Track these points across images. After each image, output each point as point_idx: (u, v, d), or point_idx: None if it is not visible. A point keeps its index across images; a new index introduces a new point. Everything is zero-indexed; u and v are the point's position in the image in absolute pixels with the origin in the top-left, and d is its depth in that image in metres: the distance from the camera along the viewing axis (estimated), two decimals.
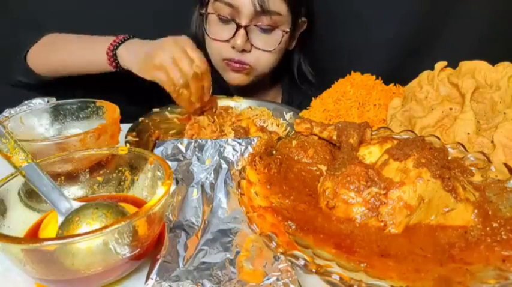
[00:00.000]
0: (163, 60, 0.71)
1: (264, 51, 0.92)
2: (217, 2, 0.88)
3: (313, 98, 0.84)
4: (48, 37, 0.91)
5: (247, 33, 0.88)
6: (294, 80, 1.10)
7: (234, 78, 0.97)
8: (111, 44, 0.79)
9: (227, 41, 0.90)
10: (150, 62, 0.72)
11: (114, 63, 0.80)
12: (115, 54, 0.79)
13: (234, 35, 0.88)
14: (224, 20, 0.89)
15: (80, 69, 0.87)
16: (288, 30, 0.92)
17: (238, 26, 0.87)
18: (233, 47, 0.90)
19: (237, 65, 0.93)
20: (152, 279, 0.39)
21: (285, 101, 1.11)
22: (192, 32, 1.03)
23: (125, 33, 0.81)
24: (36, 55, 0.90)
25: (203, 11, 0.94)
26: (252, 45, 0.91)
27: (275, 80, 1.12)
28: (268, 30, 0.90)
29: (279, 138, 0.62)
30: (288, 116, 0.85)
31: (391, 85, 0.82)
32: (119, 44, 0.79)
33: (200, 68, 0.73)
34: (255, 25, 0.89)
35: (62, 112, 0.66)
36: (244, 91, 1.00)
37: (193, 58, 0.73)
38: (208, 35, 0.94)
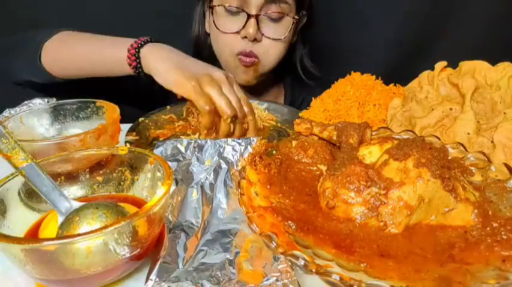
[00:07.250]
0: (211, 90, 0.67)
1: (272, 41, 0.92)
2: None
3: (313, 98, 0.84)
4: (63, 34, 0.86)
5: (257, 23, 0.88)
6: (296, 76, 1.10)
7: (244, 75, 0.96)
8: (132, 45, 0.74)
9: (237, 32, 0.90)
10: (193, 82, 0.67)
11: (134, 63, 0.74)
12: (137, 54, 0.73)
13: (244, 25, 0.88)
14: (232, 12, 0.89)
15: (95, 69, 0.82)
16: (296, 17, 0.93)
17: (249, 16, 0.87)
18: (245, 37, 0.90)
19: (248, 60, 0.93)
20: (151, 280, 0.39)
21: (288, 99, 1.11)
22: (195, 33, 1.03)
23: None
24: (50, 51, 0.84)
25: (210, 4, 0.93)
26: (262, 34, 0.91)
27: (277, 79, 1.11)
28: (277, 19, 0.91)
29: (279, 139, 0.62)
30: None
31: (391, 85, 0.82)
32: (142, 45, 0.73)
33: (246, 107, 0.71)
34: (265, 15, 0.89)
35: (62, 112, 0.66)
36: (247, 91, 0.99)
37: (240, 97, 0.70)
38: (218, 28, 0.92)
